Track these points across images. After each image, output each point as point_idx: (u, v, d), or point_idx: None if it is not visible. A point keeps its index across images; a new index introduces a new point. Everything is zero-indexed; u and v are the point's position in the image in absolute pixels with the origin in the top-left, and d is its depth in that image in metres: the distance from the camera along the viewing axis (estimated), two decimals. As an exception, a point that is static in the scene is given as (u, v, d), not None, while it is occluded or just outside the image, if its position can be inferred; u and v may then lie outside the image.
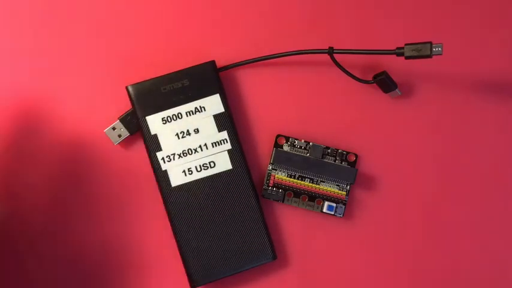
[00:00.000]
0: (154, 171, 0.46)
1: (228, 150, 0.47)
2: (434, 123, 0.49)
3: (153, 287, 0.48)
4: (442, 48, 0.43)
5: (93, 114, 0.48)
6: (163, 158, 0.46)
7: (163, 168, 0.46)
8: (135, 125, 0.47)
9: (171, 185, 0.46)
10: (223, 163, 0.46)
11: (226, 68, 0.48)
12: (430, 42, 0.43)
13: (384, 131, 0.49)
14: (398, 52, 0.44)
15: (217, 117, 0.47)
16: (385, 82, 0.47)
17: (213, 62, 0.47)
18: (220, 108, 0.47)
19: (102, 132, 0.48)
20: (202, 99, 0.46)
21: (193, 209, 0.46)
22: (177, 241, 0.46)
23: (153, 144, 0.46)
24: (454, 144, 0.49)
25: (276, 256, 0.47)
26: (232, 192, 0.46)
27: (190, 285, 0.46)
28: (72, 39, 0.49)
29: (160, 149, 0.46)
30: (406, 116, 0.49)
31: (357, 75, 0.49)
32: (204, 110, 0.46)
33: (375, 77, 0.48)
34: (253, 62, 0.48)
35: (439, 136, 0.49)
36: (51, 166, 0.48)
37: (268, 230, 0.47)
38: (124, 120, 0.47)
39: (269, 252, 0.46)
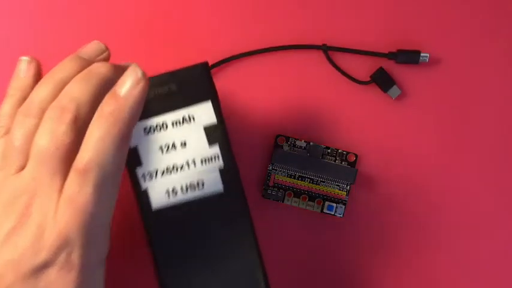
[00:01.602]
0: (134, 191, 0.40)
1: (220, 169, 0.40)
2: (435, 123, 0.49)
3: None
4: (428, 58, 0.48)
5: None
6: (143, 175, 0.39)
7: (143, 188, 0.39)
8: None
9: (151, 208, 0.39)
10: (214, 184, 0.39)
11: (218, 63, 0.47)
12: (419, 51, 0.48)
13: (384, 131, 0.49)
14: (390, 56, 0.48)
15: (208, 129, 0.40)
16: (381, 80, 0.48)
17: (205, 64, 0.40)
18: (212, 119, 0.40)
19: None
20: (191, 107, 0.40)
21: (177, 237, 0.39)
22: (157, 271, 0.39)
23: (132, 158, 0.39)
24: (454, 144, 0.49)
25: None
26: (223, 220, 0.39)
27: None
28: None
29: (140, 164, 0.39)
30: (406, 116, 0.49)
31: (357, 72, 0.49)
32: (193, 120, 0.40)
33: (372, 76, 0.48)
34: (244, 56, 0.48)
35: (440, 136, 0.49)
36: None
37: (263, 266, 0.40)
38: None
39: None
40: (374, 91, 0.49)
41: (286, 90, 0.49)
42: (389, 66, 0.49)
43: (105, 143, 0.33)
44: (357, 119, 0.49)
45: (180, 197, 0.39)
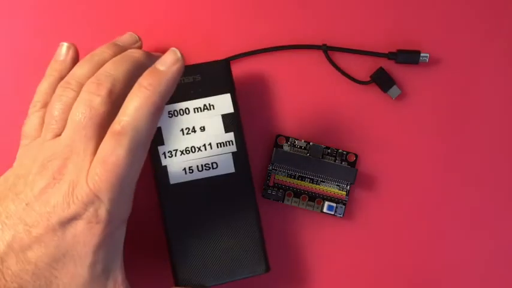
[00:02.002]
0: (153, 166, 0.45)
1: (233, 153, 0.45)
2: (435, 123, 0.49)
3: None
4: (428, 58, 0.48)
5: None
6: (164, 153, 0.44)
7: (163, 164, 0.44)
8: None
9: (169, 182, 0.44)
10: (226, 165, 0.45)
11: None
12: (419, 51, 0.48)
13: (384, 131, 0.49)
14: (391, 56, 0.48)
15: (225, 118, 0.45)
16: (381, 80, 0.48)
17: (227, 61, 0.46)
18: (230, 109, 0.45)
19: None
20: (212, 97, 0.45)
21: (189, 210, 0.44)
22: (168, 241, 0.44)
23: (155, 137, 0.45)
24: (454, 144, 0.49)
25: (270, 268, 0.45)
26: (232, 197, 0.45)
27: None
28: (74, 35, 0.49)
29: (162, 143, 0.45)
30: (407, 116, 0.49)
31: (356, 72, 0.49)
32: (213, 109, 0.45)
33: (372, 76, 0.48)
34: (244, 56, 0.48)
35: (440, 136, 0.49)
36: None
37: (264, 241, 0.45)
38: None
39: (262, 264, 0.45)
40: (374, 91, 0.49)
41: (286, 90, 0.49)
42: (390, 66, 0.49)
43: (142, 111, 0.36)
44: (357, 119, 0.49)
45: (196, 175, 0.45)
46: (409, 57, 0.48)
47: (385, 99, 0.49)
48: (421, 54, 0.48)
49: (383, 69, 0.48)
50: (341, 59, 0.49)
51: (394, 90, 0.48)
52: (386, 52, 0.49)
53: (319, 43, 0.49)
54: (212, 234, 0.44)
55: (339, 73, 0.49)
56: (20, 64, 0.48)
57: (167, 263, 0.48)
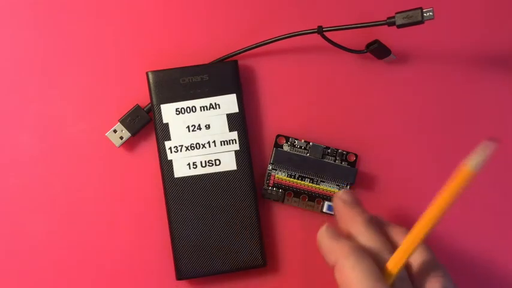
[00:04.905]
0: (160, 160, 0.47)
1: (236, 151, 0.47)
2: (435, 124, 0.49)
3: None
4: (433, 13, 0.43)
5: (95, 119, 0.49)
6: (170, 148, 0.47)
7: (169, 158, 0.47)
8: (136, 124, 0.48)
9: (173, 176, 0.47)
10: (229, 163, 0.47)
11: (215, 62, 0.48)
12: (421, 8, 0.43)
13: (384, 130, 0.49)
14: (390, 22, 0.44)
15: (230, 117, 0.47)
16: (378, 50, 0.47)
17: (235, 62, 0.47)
18: (235, 108, 0.47)
19: (105, 136, 0.48)
20: (218, 97, 0.47)
21: (192, 203, 0.47)
22: (171, 232, 0.47)
23: (163, 132, 0.47)
24: (455, 144, 0.49)
25: (266, 263, 0.47)
26: (233, 193, 0.47)
27: (176, 277, 0.46)
28: (73, 40, 0.49)
29: (169, 139, 0.47)
30: (406, 116, 0.49)
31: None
32: (219, 108, 0.47)
33: (367, 47, 0.48)
34: (242, 52, 0.48)
35: (440, 136, 0.49)
36: (56, 170, 0.48)
37: (262, 236, 0.47)
38: (124, 121, 0.48)
39: (259, 258, 0.47)
40: (375, 87, 0.49)
41: (286, 90, 0.49)
42: (391, 35, 0.47)
43: None
44: (357, 117, 0.49)
45: (199, 170, 0.47)
46: (409, 16, 0.43)
47: (386, 100, 0.49)
48: (424, 10, 0.43)
49: (378, 40, 0.47)
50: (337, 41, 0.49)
51: (390, 58, 0.48)
52: (385, 19, 0.45)
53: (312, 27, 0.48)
54: (212, 227, 0.47)
55: (340, 70, 0.49)
56: (19, 63, 0.49)
57: (170, 255, 0.48)
